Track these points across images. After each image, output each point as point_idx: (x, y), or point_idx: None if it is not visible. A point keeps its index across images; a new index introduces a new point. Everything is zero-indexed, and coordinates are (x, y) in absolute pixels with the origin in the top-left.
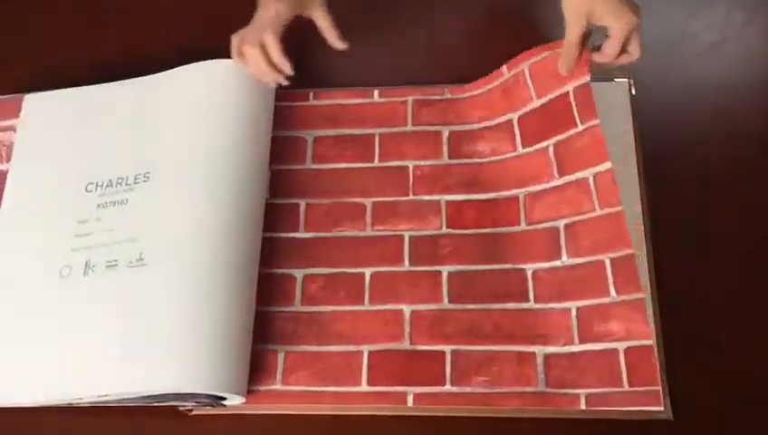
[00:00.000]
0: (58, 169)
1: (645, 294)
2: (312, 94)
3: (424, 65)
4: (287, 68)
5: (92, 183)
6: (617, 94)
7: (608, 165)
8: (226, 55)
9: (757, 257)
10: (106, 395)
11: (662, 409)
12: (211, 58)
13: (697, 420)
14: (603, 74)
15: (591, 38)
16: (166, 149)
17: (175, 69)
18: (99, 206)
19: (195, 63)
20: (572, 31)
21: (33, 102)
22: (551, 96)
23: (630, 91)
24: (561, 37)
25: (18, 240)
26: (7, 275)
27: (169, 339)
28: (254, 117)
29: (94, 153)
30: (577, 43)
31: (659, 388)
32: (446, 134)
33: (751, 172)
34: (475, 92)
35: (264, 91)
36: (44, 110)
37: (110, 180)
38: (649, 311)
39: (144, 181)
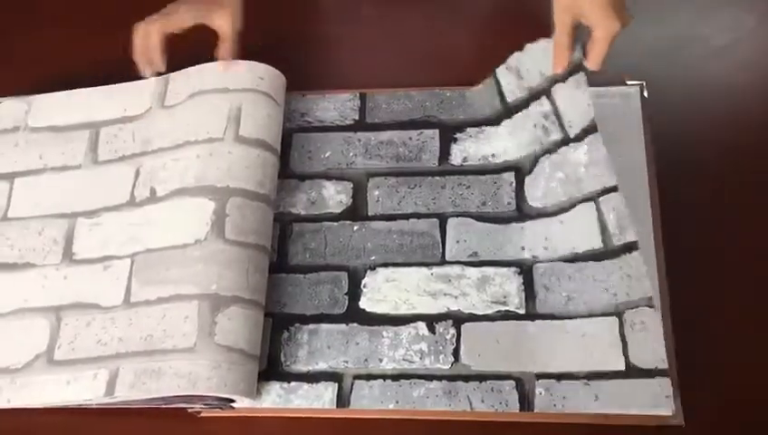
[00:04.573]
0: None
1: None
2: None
3: (425, 66)
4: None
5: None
6: (628, 98)
7: None
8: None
9: None
10: (115, 396)
11: (672, 413)
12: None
13: (709, 427)
14: (614, 78)
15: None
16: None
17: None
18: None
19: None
20: (559, 25)
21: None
22: None
23: (642, 94)
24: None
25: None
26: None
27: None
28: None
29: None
30: (566, 39)
31: (671, 392)
32: None
33: (765, 176)
34: None
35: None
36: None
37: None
38: (662, 312)
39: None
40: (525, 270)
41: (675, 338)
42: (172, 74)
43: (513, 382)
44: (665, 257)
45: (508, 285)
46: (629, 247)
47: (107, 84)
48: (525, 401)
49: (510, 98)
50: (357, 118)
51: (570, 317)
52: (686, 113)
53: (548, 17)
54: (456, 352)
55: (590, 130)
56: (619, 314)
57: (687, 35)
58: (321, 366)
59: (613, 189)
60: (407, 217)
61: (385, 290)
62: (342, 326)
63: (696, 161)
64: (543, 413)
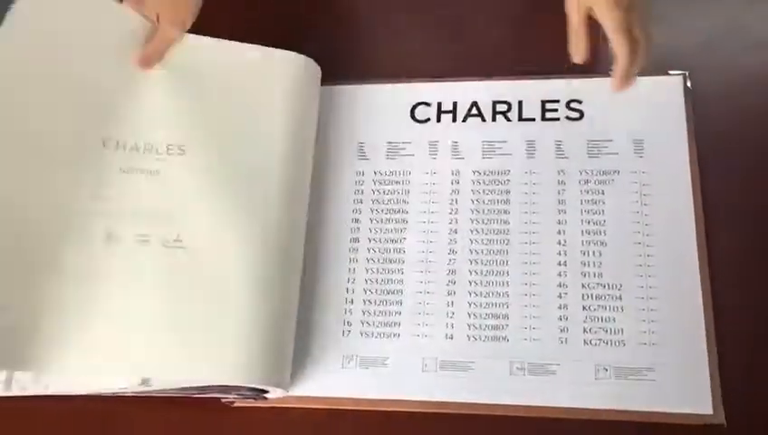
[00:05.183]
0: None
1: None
2: None
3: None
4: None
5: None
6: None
7: None
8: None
9: None
10: (150, 385)
11: (712, 412)
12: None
13: (752, 427)
14: (657, 68)
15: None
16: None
17: (225, 40)
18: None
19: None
20: (572, 17)
21: None
22: None
23: (685, 84)
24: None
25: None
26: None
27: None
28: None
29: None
30: (578, 30)
31: (709, 389)
32: None
33: None
34: None
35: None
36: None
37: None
38: (703, 310)
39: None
40: None
41: (716, 335)
42: None
43: None
44: (707, 252)
45: None
46: None
47: None
48: None
49: None
50: None
51: None
52: (730, 104)
53: None
54: None
55: None
56: None
57: (732, 25)
58: None
59: None
60: None
61: None
62: None
63: (740, 153)
64: (577, 409)
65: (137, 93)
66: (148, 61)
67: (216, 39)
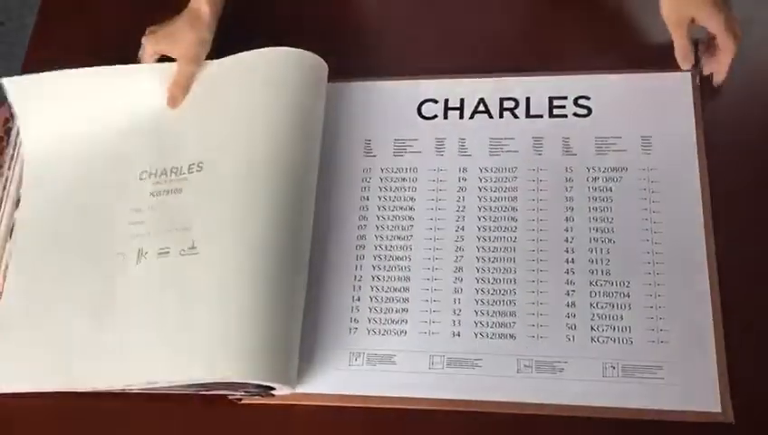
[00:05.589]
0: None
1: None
2: None
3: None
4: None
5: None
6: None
7: None
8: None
9: None
10: (156, 382)
11: (720, 410)
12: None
13: (760, 424)
14: (667, 63)
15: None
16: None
17: (227, 57)
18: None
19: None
20: (673, 29)
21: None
22: None
23: (694, 81)
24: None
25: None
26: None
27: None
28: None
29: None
30: (685, 41)
31: (718, 387)
32: None
33: None
34: None
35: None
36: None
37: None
38: (712, 308)
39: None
40: None
41: (725, 332)
42: None
43: None
44: (715, 250)
45: None
46: None
47: None
48: None
49: None
50: None
51: None
52: (739, 100)
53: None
54: None
55: None
56: None
57: (742, 21)
58: None
59: None
60: None
61: None
62: None
63: (750, 149)
64: (585, 407)
65: (163, 126)
66: (175, 99)
67: (222, 59)
